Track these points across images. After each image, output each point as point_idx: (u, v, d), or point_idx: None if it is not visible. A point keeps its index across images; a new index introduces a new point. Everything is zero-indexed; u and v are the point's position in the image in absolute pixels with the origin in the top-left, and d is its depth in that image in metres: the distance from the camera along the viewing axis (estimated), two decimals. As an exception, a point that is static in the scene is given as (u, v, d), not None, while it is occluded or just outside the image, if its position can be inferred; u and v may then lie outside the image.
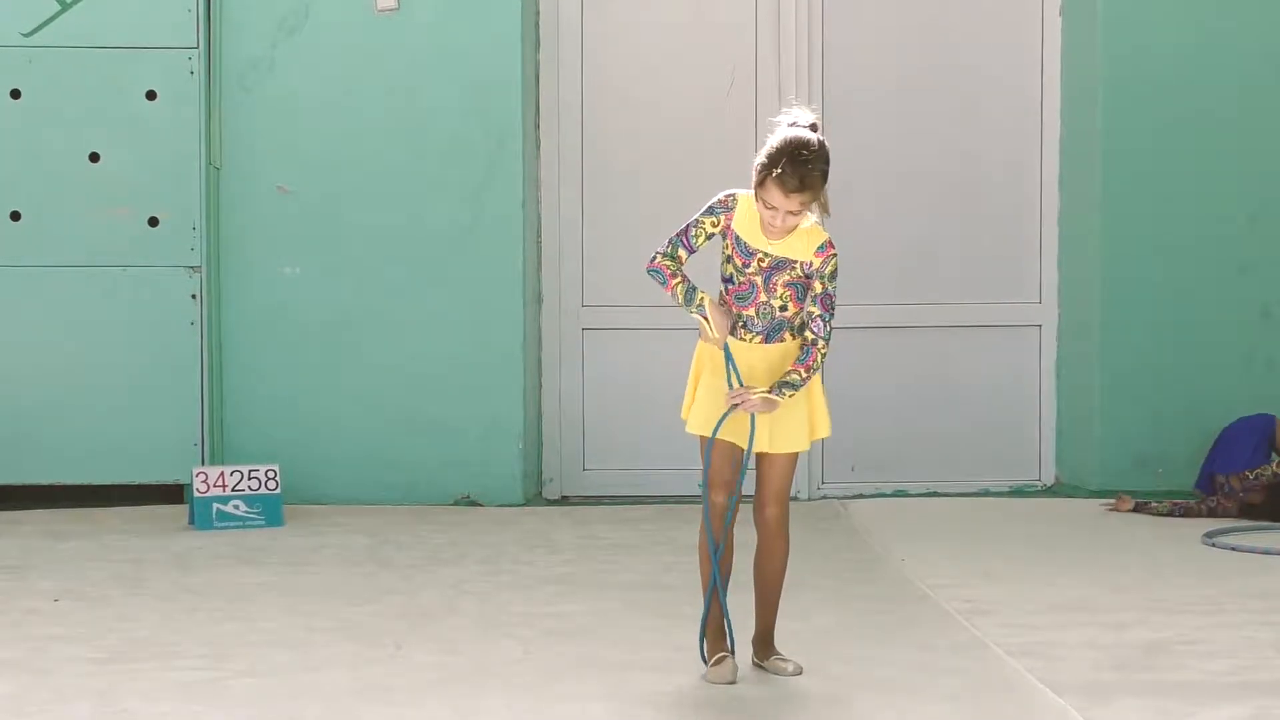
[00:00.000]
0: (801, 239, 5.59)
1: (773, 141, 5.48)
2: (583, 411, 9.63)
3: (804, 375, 5.59)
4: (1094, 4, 9.36)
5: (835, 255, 5.60)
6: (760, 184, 5.47)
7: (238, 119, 9.18)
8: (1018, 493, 9.65)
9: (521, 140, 9.28)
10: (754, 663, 5.86)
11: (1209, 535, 8.22)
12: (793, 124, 5.51)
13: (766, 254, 5.59)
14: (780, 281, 5.61)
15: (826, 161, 5.47)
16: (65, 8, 9.01)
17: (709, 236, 5.65)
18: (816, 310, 5.59)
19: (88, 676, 5.80)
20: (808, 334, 5.60)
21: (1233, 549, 7.97)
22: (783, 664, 5.75)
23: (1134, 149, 9.35)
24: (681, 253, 5.62)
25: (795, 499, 9.51)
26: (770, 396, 5.54)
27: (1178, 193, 9.38)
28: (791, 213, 5.50)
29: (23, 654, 6.10)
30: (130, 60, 9.04)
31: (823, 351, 5.60)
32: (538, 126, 9.54)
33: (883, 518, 8.88)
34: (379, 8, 9.20)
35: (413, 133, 9.23)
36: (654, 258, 5.64)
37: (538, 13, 9.52)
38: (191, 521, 8.64)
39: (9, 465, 9.06)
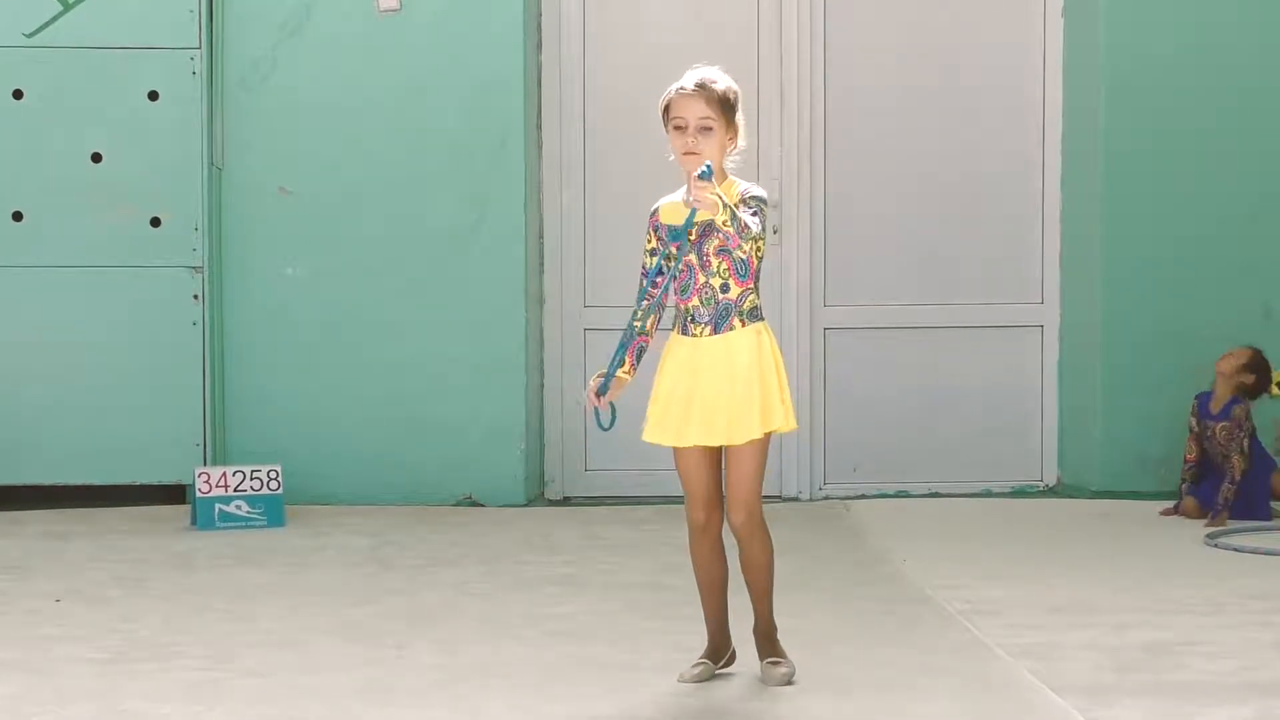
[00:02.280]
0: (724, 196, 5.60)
1: None
2: (585, 412, 9.62)
3: (733, 209, 5.47)
4: (1096, 4, 9.35)
5: (759, 187, 5.66)
6: (665, 112, 5.61)
7: (240, 119, 9.18)
8: (1019, 493, 9.64)
9: (523, 140, 9.27)
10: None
11: (1211, 536, 8.22)
12: None
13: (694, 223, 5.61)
14: (712, 249, 5.60)
15: (729, 81, 5.61)
16: (67, 8, 9.01)
17: (653, 253, 5.68)
18: (746, 211, 5.54)
19: (89, 677, 5.81)
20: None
21: (1235, 550, 7.97)
22: (771, 670, 5.71)
23: (1136, 149, 9.34)
24: (651, 289, 5.66)
25: (796, 499, 9.53)
26: (716, 197, 5.43)
27: (1179, 192, 9.37)
28: (703, 125, 5.56)
29: (24, 654, 6.11)
30: (132, 61, 9.04)
31: (755, 230, 5.49)
32: (539, 127, 9.54)
33: (884, 518, 8.88)
34: (381, 8, 9.20)
35: (414, 133, 9.22)
36: (634, 313, 5.70)
37: (539, 13, 9.52)
38: (193, 522, 8.64)
39: (10, 466, 9.06)
